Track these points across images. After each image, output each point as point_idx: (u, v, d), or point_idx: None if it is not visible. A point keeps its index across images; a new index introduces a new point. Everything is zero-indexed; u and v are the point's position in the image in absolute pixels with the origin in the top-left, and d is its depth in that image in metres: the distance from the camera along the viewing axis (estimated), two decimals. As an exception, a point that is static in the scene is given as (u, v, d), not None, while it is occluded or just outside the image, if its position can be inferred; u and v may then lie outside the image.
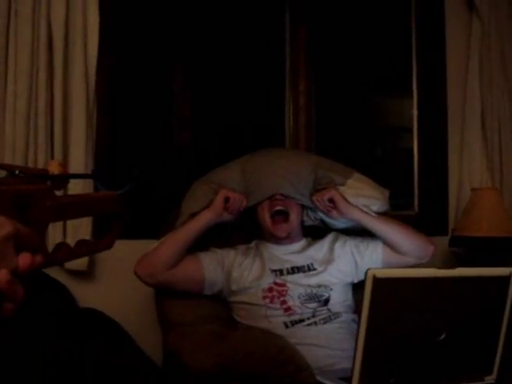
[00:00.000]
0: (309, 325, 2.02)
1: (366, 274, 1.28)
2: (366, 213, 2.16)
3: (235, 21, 2.97)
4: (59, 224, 2.35)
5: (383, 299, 1.28)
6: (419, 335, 1.35)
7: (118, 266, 2.46)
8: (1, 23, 2.32)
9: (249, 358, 1.75)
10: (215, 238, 2.21)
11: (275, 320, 2.03)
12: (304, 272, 2.13)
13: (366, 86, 3.20)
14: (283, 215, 2.16)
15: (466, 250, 2.85)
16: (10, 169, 0.69)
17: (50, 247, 0.71)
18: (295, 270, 2.13)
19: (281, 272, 2.12)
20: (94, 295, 2.49)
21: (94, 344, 1.89)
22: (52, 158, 2.34)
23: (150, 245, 2.10)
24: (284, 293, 2.06)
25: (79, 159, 2.37)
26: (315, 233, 2.29)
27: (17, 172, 0.69)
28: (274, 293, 2.06)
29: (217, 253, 2.15)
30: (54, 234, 2.33)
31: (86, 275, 2.49)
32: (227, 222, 2.18)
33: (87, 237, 2.34)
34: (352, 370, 1.31)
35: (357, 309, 2.12)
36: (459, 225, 2.88)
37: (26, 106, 2.32)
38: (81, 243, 0.76)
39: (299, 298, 2.05)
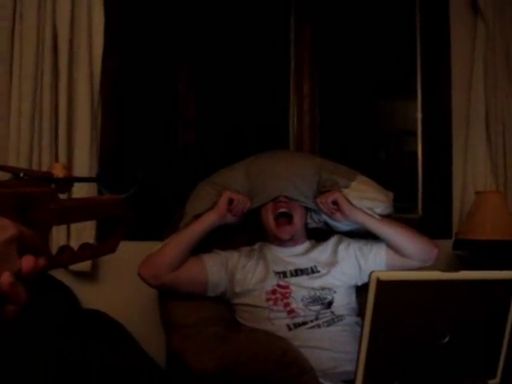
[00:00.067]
0: (312, 327, 2.02)
1: (369, 276, 1.27)
2: (370, 215, 2.16)
3: (240, 21, 2.97)
4: (63, 227, 2.35)
5: (387, 302, 1.28)
6: (423, 338, 1.35)
7: (122, 268, 2.46)
8: (6, 26, 2.33)
9: (252, 361, 1.74)
10: (219, 239, 2.21)
11: (278, 322, 2.03)
12: (307, 274, 2.13)
13: (370, 89, 3.20)
14: (287, 217, 2.16)
15: (470, 253, 2.84)
16: (14, 171, 0.69)
17: (54, 250, 0.71)
18: (299, 272, 2.13)
19: (284, 274, 2.12)
20: (98, 296, 2.49)
21: (98, 345, 1.90)
22: (56, 160, 2.34)
23: (154, 246, 2.10)
24: (287, 295, 2.06)
25: (83, 161, 2.37)
26: (319, 235, 2.29)
27: (21, 174, 0.69)
28: (278, 295, 2.06)
29: (220, 255, 2.15)
30: (58, 236, 2.33)
31: (90, 276, 2.50)
32: (231, 224, 2.18)
33: (91, 240, 2.34)
34: (355, 372, 1.31)
35: (360, 311, 2.12)
36: (463, 228, 2.88)
37: (31, 109, 2.32)
38: (84, 246, 0.76)
39: (302, 300, 2.05)
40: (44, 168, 2.32)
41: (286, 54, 3.00)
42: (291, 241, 2.19)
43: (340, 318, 2.06)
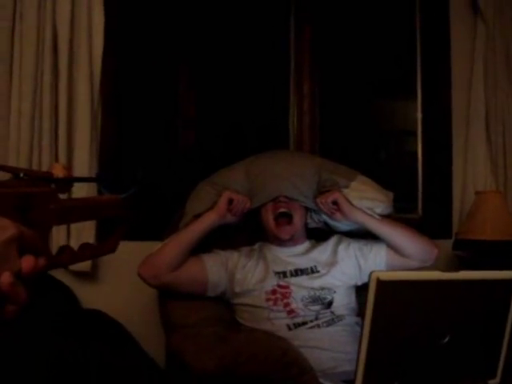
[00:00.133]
0: (312, 327, 2.02)
1: (369, 276, 1.27)
2: (370, 215, 2.16)
3: (240, 21, 2.97)
4: (63, 227, 2.35)
5: (387, 302, 1.28)
6: (423, 338, 1.35)
7: (122, 268, 2.46)
8: (6, 26, 2.33)
9: (252, 361, 1.74)
10: (219, 239, 2.21)
11: (278, 322, 2.02)
12: (307, 274, 2.13)
13: (370, 89, 3.20)
14: (287, 217, 2.16)
15: (470, 253, 2.84)
16: (14, 171, 0.69)
17: (54, 250, 0.71)
18: (299, 272, 2.13)
19: (284, 274, 2.12)
20: (98, 296, 2.49)
21: (98, 345, 1.90)
22: (56, 160, 2.34)
23: (154, 246, 2.10)
24: (287, 295, 2.06)
25: (83, 161, 2.37)
26: (319, 235, 2.29)
27: (21, 174, 0.69)
28: (278, 295, 2.06)
29: (220, 254, 2.15)
30: (58, 236, 2.33)
31: (90, 276, 2.50)
32: (231, 224, 2.18)
33: (91, 240, 2.34)
34: (355, 372, 1.31)
35: (360, 311, 2.12)
36: (463, 228, 2.88)
37: (31, 109, 2.32)
38: (84, 246, 0.76)
39: (302, 300, 2.05)
40: (44, 168, 2.32)
41: (285, 53, 3.00)
42: (291, 241, 2.19)
43: (340, 318, 2.05)
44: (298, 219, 2.17)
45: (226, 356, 1.79)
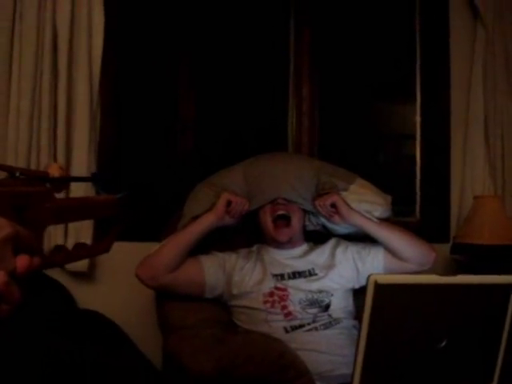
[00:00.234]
0: (309, 330, 2.02)
1: (367, 279, 1.27)
2: (368, 218, 2.16)
3: (239, 24, 2.97)
4: (61, 226, 2.35)
5: (385, 305, 1.28)
6: (420, 342, 1.35)
7: (119, 268, 2.46)
8: (5, 26, 2.33)
9: (249, 363, 1.74)
10: (217, 241, 2.21)
11: (275, 325, 2.02)
12: (305, 277, 2.12)
13: (369, 92, 3.21)
14: (285, 220, 2.16)
15: (468, 257, 2.85)
16: (10, 170, 0.69)
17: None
18: (296, 274, 2.13)
19: (282, 277, 2.12)
20: (95, 297, 2.49)
21: (94, 346, 1.89)
22: (55, 160, 2.34)
23: (152, 247, 2.10)
24: (285, 298, 2.06)
25: (82, 162, 2.37)
26: (317, 238, 2.29)
27: (17, 174, 0.69)
28: (275, 297, 2.06)
29: (218, 256, 2.15)
30: (56, 236, 2.33)
31: (87, 276, 2.49)
32: (229, 226, 2.18)
33: (88, 239, 2.34)
34: (352, 375, 1.30)
35: (357, 315, 2.12)
36: (461, 232, 2.88)
37: (30, 109, 2.32)
38: (79, 246, 0.76)
39: (300, 303, 2.05)
40: (42, 168, 2.31)
41: (285, 56, 3.01)
42: (289, 243, 2.18)
43: (337, 321, 2.05)
44: (296, 221, 2.17)
45: (223, 358, 1.79)
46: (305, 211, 2.24)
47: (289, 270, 2.13)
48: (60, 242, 2.32)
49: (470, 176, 3.03)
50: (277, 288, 2.08)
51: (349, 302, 2.15)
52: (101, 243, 0.81)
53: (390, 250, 2.13)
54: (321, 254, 2.19)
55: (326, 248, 2.22)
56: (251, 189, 2.23)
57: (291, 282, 2.10)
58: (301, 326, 2.02)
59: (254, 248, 2.24)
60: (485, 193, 3.00)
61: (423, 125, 3.14)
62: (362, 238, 2.22)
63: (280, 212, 2.16)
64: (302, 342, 1.96)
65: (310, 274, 2.14)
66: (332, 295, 2.09)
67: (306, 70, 2.98)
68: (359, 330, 1.29)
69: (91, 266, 2.47)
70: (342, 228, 2.23)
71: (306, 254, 2.21)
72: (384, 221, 2.21)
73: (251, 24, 3.00)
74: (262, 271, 2.12)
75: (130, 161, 2.71)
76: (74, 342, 1.80)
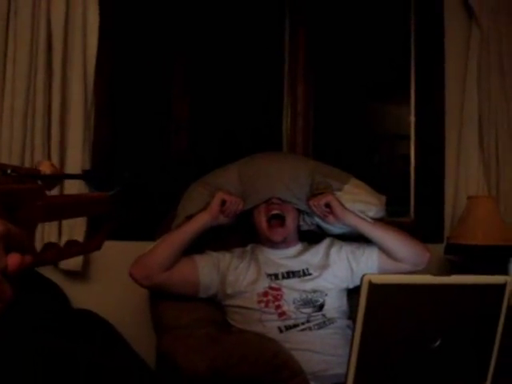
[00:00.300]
0: (303, 330, 2.02)
1: (361, 279, 1.27)
2: (363, 218, 2.16)
3: (234, 24, 2.97)
4: (55, 224, 2.34)
5: (379, 305, 1.28)
6: (414, 341, 1.35)
7: (113, 267, 2.46)
8: (0, 24, 2.32)
9: (243, 362, 1.74)
10: (211, 240, 2.20)
11: (269, 324, 2.02)
12: (299, 277, 2.12)
13: (364, 92, 3.21)
14: (280, 219, 2.16)
15: (462, 257, 2.85)
16: (1, 168, 0.68)
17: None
18: (290, 274, 2.13)
19: (276, 276, 2.11)
20: (89, 296, 2.48)
21: (87, 345, 1.89)
22: (49, 159, 2.33)
23: (146, 246, 2.09)
24: (279, 297, 2.06)
25: (76, 161, 2.37)
26: (311, 238, 2.29)
27: (9, 171, 0.68)
28: (269, 297, 2.06)
29: (212, 256, 2.14)
30: (50, 234, 2.33)
31: (81, 276, 2.49)
32: (223, 225, 2.18)
33: (82, 237, 2.33)
34: (346, 375, 1.31)
35: (351, 315, 2.12)
36: (455, 232, 2.89)
37: (24, 108, 2.31)
38: (70, 244, 0.75)
39: (294, 302, 2.05)
40: (34, 166, 2.31)
41: (280, 56, 3.01)
42: (283, 243, 2.18)
43: (331, 320, 2.05)
44: (290, 221, 2.17)
45: (217, 357, 1.79)
46: (299, 211, 2.24)
47: (283, 270, 2.13)
48: (54, 239, 2.31)
49: (464, 176, 3.04)
50: (271, 288, 2.08)
51: (343, 302, 2.15)
52: (92, 241, 0.80)
53: (384, 250, 2.14)
54: (315, 254, 2.20)
55: (321, 248, 2.22)
56: (246, 188, 2.23)
57: (285, 282, 2.10)
58: (295, 326, 2.02)
59: (249, 248, 2.24)
60: (479, 193, 3.01)
61: (418, 125, 3.14)
62: (356, 238, 2.22)
63: (274, 212, 2.15)
64: (296, 342, 1.96)
65: (304, 273, 2.14)
66: (326, 295, 2.09)
67: (300, 70, 2.98)
68: (353, 330, 1.30)
69: (85, 265, 2.47)
70: (336, 228, 2.23)
71: (300, 253, 2.21)
72: (378, 221, 2.21)
73: (246, 24, 3.00)
74: (256, 271, 2.12)
75: (124, 160, 2.71)
76: (68, 341, 1.80)
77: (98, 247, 0.81)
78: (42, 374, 1.61)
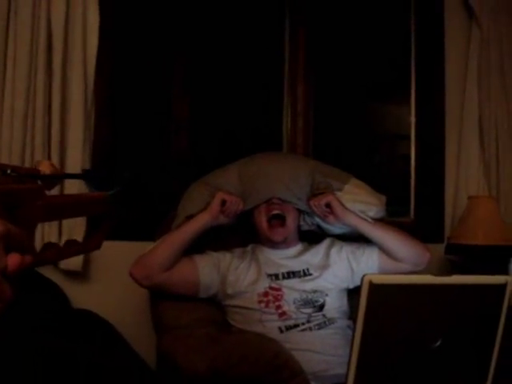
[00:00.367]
0: (303, 330, 2.02)
1: (362, 279, 1.27)
2: (363, 218, 2.16)
3: (234, 23, 2.97)
4: (55, 224, 2.34)
5: (379, 305, 1.28)
6: (415, 342, 1.35)
7: (113, 267, 2.45)
8: (0, 24, 2.32)
9: (243, 362, 1.74)
10: (211, 240, 2.20)
11: (270, 325, 2.02)
12: (300, 277, 2.12)
13: (364, 92, 3.21)
14: (280, 219, 2.16)
15: (462, 257, 2.85)
16: (1, 168, 0.68)
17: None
18: (291, 274, 2.13)
19: (276, 276, 2.11)
20: (89, 296, 2.48)
21: (88, 345, 1.89)
22: (49, 159, 2.33)
23: (146, 247, 2.09)
24: (279, 297, 2.06)
25: (76, 161, 2.37)
26: (311, 238, 2.29)
27: (8, 171, 0.68)
28: (270, 297, 2.06)
29: (212, 256, 2.14)
30: (50, 234, 2.33)
31: (81, 276, 2.49)
32: (224, 225, 2.17)
33: (82, 237, 2.33)
34: (346, 375, 1.31)
35: (352, 315, 2.12)
36: (455, 233, 2.89)
37: (24, 108, 2.31)
38: (70, 243, 0.75)
39: (294, 303, 2.05)
40: (33, 165, 2.31)
41: (280, 56, 3.00)
42: (284, 243, 2.18)
43: (331, 321, 2.05)
44: (290, 221, 2.17)
45: (218, 358, 1.79)
46: (299, 211, 2.24)
47: (283, 270, 2.13)
48: (54, 239, 2.31)
49: (465, 176, 3.04)
50: (271, 288, 2.08)
51: (343, 302, 2.15)
52: (92, 240, 0.80)
53: (384, 250, 2.13)
54: (315, 254, 2.19)
55: (321, 248, 2.21)
56: (246, 188, 2.23)
57: (286, 282, 2.10)
58: (295, 326, 2.02)
59: (249, 248, 2.24)
60: (479, 193, 3.00)
61: (418, 125, 3.14)
62: (356, 238, 2.22)
63: (275, 212, 2.15)
64: (297, 342, 1.96)
65: (304, 273, 2.14)
66: (326, 295, 2.09)
67: (300, 70, 2.98)
68: (353, 330, 1.30)
69: (85, 265, 2.47)
70: (336, 228, 2.23)
71: (300, 253, 2.20)
72: (378, 221, 2.21)
73: (246, 24, 3.00)
74: (256, 271, 2.12)
75: (124, 160, 2.71)
76: (68, 341, 1.80)
77: (98, 246, 0.81)
78: (41, 374, 1.61)
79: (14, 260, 0.57)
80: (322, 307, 2.07)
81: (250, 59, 2.99)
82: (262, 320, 2.03)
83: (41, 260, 0.68)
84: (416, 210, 3.12)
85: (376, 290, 1.26)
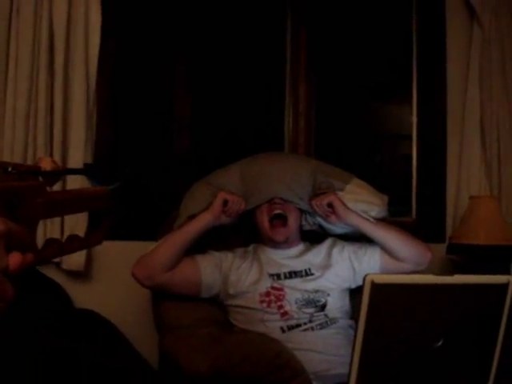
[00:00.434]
0: (305, 330, 2.02)
1: (364, 279, 1.27)
2: (365, 218, 2.16)
3: (236, 24, 2.97)
4: (57, 221, 2.35)
5: (381, 305, 1.28)
6: (416, 341, 1.35)
7: (115, 267, 2.46)
8: (2, 24, 2.32)
9: (245, 362, 1.74)
10: (213, 240, 2.20)
11: (272, 324, 2.02)
12: (301, 277, 2.12)
13: (365, 92, 3.21)
14: (282, 219, 2.16)
15: (464, 257, 2.85)
16: (2, 165, 0.68)
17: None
18: (293, 274, 2.13)
19: (278, 276, 2.11)
20: (91, 296, 2.48)
21: (90, 345, 1.89)
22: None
23: (148, 246, 2.09)
24: (281, 297, 2.06)
25: (78, 161, 2.37)
26: (313, 238, 2.29)
27: (9, 169, 0.68)
28: (272, 297, 2.06)
29: (214, 256, 2.14)
30: (52, 230, 2.33)
31: (83, 276, 2.49)
32: (226, 225, 2.18)
33: (84, 233, 2.33)
34: (349, 375, 1.31)
35: (354, 314, 2.12)
36: (457, 232, 2.88)
37: (26, 108, 2.32)
38: (72, 239, 0.75)
39: (296, 302, 2.05)
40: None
41: (281, 56, 3.00)
42: (285, 243, 2.18)
43: (333, 320, 2.05)
44: (292, 221, 2.17)
45: (220, 357, 1.79)
46: (301, 211, 2.24)
47: (285, 270, 2.13)
48: (56, 236, 2.31)
49: (466, 176, 3.03)
50: (273, 288, 2.08)
51: (345, 302, 2.15)
52: (93, 235, 0.80)
53: (386, 250, 2.13)
54: (317, 254, 2.19)
55: (323, 248, 2.22)
56: (248, 188, 2.23)
57: (287, 282, 2.10)
58: (297, 326, 2.02)
59: (251, 248, 2.24)
60: (481, 193, 3.00)
61: (419, 125, 3.14)
62: (358, 238, 2.22)
63: (277, 211, 2.15)
64: (299, 342, 1.96)
65: (306, 273, 2.14)
66: (328, 295, 2.09)
67: (302, 70, 2.98)
68: (355, 330, 1.30)
69: (87, 265, 2.47)
70: (338, 228, 2.23)
71: (302, 253, 2.20)
72: (380, 221, 2.21)
73: (248, 24, 3.00)
74: (258, 271, 2.12)
75: (126, 160, 2.71)
76: (70, 341, 1.80)
77: (100, 241, 0.80)
78: (43, 374, 1.61)
79: (15, 259, 0.57)
80: (323, 307, 2.07)
81: (251, 59, 2.99)
82: (264, 320, 2.03)
83: (42, 258, 0.68)
84: (418, 210, 3.12)
85: (378, 289, 1.26)
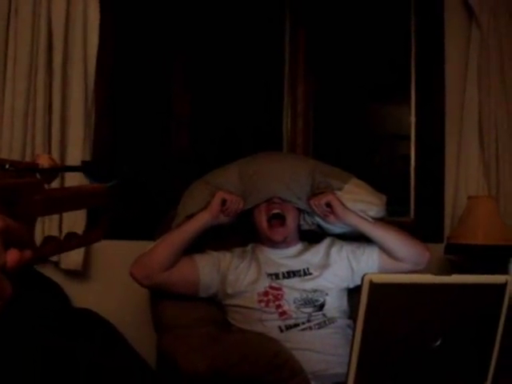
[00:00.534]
0: (303, 329, 2.02)
1: (362, 279, 1.27)
2: (363, 218, 2.16)
3: (235, 24, 2.97)
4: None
5: (379, 304, 1.28)
6: (415, 341, 1.35)
7: (114, 267, 2.46)
8: (0, 24, 2.32)
9: (243, 362, 1.74)
10: (211, 240, 2.20)
11: (270, 324, 2.02)
12: (300, 276, 2.12)
13: (364, 92, 3.21)
14: (280, 219, 2.16)
15: (462, 257, 2.85)
16: (0, 163, 0.68)
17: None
18: (291, 274, 2.13)
19: (277, 276, 2.11)
20: (89, 296, 2.48)
21: (87, 345, 1.89)
22: (48, 157, 2.33)
23: (146, 246, 2.09)
24: (280, 297, 2.06)
25: (76, 160, 2.37)
26: (312, 237, 2.29)
27: (7, 166, 0.68)
28: (270, 297, 2.06)
29: (213, 255, 2.14)
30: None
31: (81, 275, 2.49)
32: (224, 225, 2.18)
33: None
34: (347, 375, 1.31)
35: (352, 314, 2.12)
36: (455, 232, 2.89)
37: (24, 107, 2.32)
38: (70, 236, 0.75)
39: (295, 302, 2.05)
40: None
41: (280, 56, 3.01)
42: (284, 242, 2.18)
43: (332, 320, 2.05)
44: (291, 221, 2.17)
45: (218, 357, 1.79)
46: (300, 210, 2.24)
47: (283, 270, 2.13)
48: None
49: (465, 176, 3.04)
50: (271, 287, 2.08)
51: (343, 302, 2.15)
52: (92, 233, 0.80)
53: (384, 250, 2.14)
54: (315, 254, 2.19)
55: (321, 247, 2.22)
56: (246, 188, 2.23)
57: (286, 282, 2.10)
58: (295, 326, 2.02)
59: (249, 247, 2.24)
60: (479, 193, 3.01)
61: (418, 125, 3.14)
62: (356, 238, 2.22)
63: (275, 211, 2.15)
64: (297, 342, 1.96)
65: (304, 273, 2.14)
66: (327, 294, 2.09)
67: (301, 71, 2.98)
68: (354, 330, 1.30)
69: (85, 264, 2.47)
70: (336, 227, 2.23)
71: (300, 253, 2.20)
72: (379, 220, 2.21)
73: (246, 24, 3.00)
74: (256, 270, 2.12)
75: (124, 158, 2.71)
76: (68, 340, 1.80)
77: (98, 239, 0.80)
78: (41, 373, 1.61)
79: (13, 256, 0.56)
80: (322, 307, 2.07)
81: (250, 59, 2.99)
82: (262, 319, 2.03)
83: (41, 255, 0.68)
84: (416, 210, 3.12)
85: (376, 289, 1.26)
